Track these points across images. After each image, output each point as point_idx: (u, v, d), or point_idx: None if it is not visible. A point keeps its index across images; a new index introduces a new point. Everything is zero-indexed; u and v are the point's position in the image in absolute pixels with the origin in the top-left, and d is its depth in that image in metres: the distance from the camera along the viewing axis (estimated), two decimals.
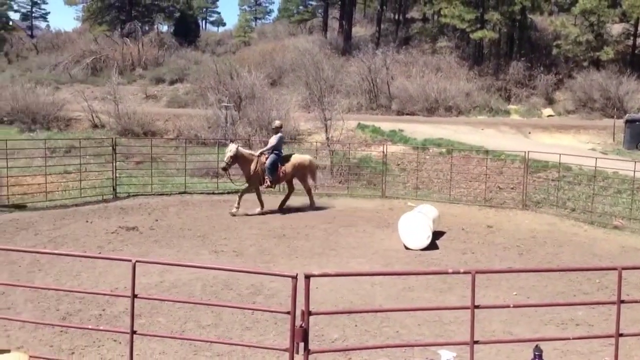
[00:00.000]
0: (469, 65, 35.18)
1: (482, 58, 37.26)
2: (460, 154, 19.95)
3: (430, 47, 38.82)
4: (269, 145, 15.07)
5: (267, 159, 14.89)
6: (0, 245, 10.49)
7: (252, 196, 15.30)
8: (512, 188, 17.93)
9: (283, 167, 15.09)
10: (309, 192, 15.75)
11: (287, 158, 15.37)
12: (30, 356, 4.04)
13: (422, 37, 41.30)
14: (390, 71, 32.79)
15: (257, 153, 15.11)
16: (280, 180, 15.33)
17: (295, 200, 15.82)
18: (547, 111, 31.75)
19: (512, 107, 32.34)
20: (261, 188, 15.14)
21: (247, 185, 15.07)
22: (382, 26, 45.50)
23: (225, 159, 14.46)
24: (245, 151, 15.13)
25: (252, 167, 14.76)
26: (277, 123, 15.63)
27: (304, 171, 15.68)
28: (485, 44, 37.68)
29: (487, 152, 19.31)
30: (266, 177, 14.84)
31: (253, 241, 12.31)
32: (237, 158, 14.57)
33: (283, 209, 15.20)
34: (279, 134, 15.22)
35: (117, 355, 6.74)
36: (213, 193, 17.55)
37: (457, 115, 29.96)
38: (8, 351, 4.04)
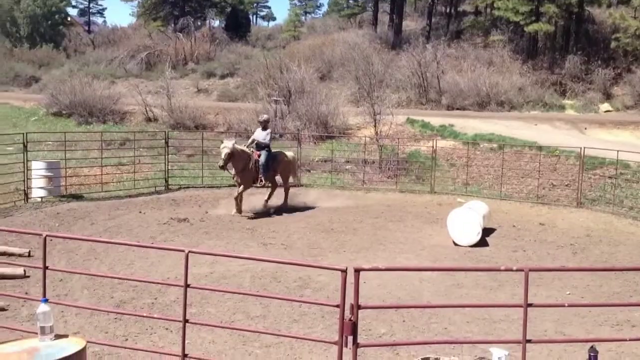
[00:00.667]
0: (523, 59, 34.32)
1: (537, 52, 36.32)
2: (512, 149, 19.56)
3: (482, 41, 38.07)
4: (261, 141, 14.24)
5: (259, 156, 14.14)
6: (59, 233, 10.86)
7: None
8: (566, 185, 17.47)
9: (273, 165, 14.53)
10: (287, 190, 15.18)
11: (274, 155, 14.73)
12: (87, 341, 4.17)
13: (474, 30, 40.55)
14: (441, 65, 32.32)
15: (250, 150, 14.20)
16: (270, 179, 14.64)
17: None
18: (605, 106, 30.72)
19: (567, 102, 31.43)
20: (254, 186, 14.52)
21: (242, 186, 14.04)
22: (433, 20, 44.89)
23: (222, 156, 13.49)
24: (241, 148, 14.21)
25: (248, 164, 13.98)
26: (264, 117, 14.92)
27: (289, 168, 15.33)
28: (540, 37, 36.68)
29: (540, 148, 18.86)
30: (260, 175, 14.09)
31: (301, 235, 12.39)
32: (233, 155, 13.65)
33: (270, 208, 14.57)
34: (269, 130, 14.52)
35: (168, 342, 6.90)
36: (262, 186, 17.71)
37: (510, 110, 29.32)
38: (66, 336, 4.17)
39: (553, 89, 32.18)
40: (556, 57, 34.62)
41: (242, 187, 14.00)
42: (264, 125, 14.41)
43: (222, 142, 13.86)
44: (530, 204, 16.50)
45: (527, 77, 31.76)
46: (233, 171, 14.00)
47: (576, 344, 6.30)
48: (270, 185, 14.64)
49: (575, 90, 32.23)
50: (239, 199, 14.04)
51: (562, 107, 30.79)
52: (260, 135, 14.35)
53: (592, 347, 3.59)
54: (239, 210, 13.94)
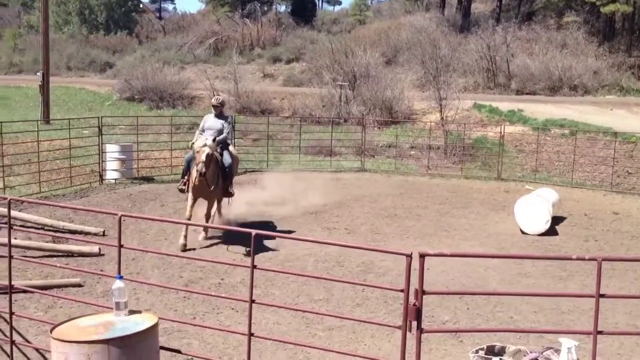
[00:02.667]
0: (599, 41, 32.86)
1: (614, 33, 34.71)
2: (585, 135, 18.86)
3: (555, 22, 36.64)
4: (221, 136, 10.53)
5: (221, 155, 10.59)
6: (132, 214, 11.26)
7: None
8: None
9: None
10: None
11: (234, 156, 11.36)
12: (159, 318, 4.34)
13: (547, 11, 39.07)
14: (511, 48, 31.35)
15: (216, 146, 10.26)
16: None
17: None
18: None
19: None
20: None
21: (212, 200, 10.59)
22: (503, 1, 43.54)
23: (202, 158, 9.69)
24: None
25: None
26: (219, 99, 11.08)
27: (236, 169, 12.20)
28: (618, 18, 35.00)
29: (615, 134, 18.09)
30: (215, 184, 10.26)
31: (364, 220, 12.40)
32: (212, 158, 10.02)
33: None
34: (229, 119, 11.29)
35: (234, 322, 7.10)
36: (326, 171, 17.81)
37: (583, 95, 28.19)
38: (139, 312, 4.36)
39: (630, 72, 30.70)
40: (634, 38, 32.99)
41: (213, 202, 10.54)
42: (220, 111, 10.72)
43: (192, 142, 10.50)
44: (603, 192, 15.89)
45: (603, 60, 30.39)
46: (193, 177, 10.04)
47: None
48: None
49: None
50: (208, 217, 10.48)
51: None
52: (215, 124, 10.58)
53: None
54: (184, 244, 9.86)
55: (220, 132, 10.55)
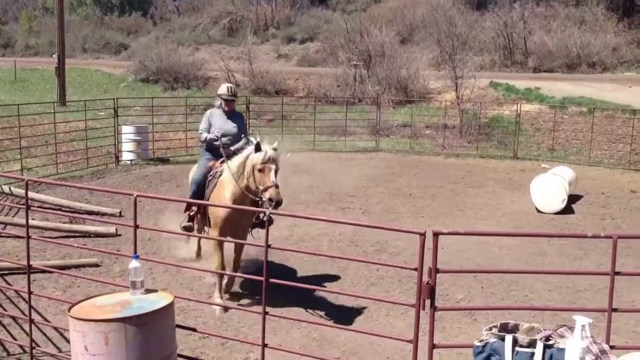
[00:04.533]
0: (618, 17, 32.25)
1: (634, 9, 34.01)
2: (603, 113, 18.60)
3: None
4: (242, 143, 7.40)
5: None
6: (148, 194, 11.35)
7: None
8: None
9: None
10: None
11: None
12: (174, 296, 4.39)
13: None
14: (528, 25, 30.92)
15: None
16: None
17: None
18: None
19: None
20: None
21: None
22: None
23: (273, 180, 6.49)
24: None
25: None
26: (233, 88, 7.80)
27: None
28: None
29: (634, 111, 17.81)
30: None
31: (379, 199, 12.39)
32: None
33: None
34: (243, 117, 8.31)
35: (249, 301, 7.16)
36: (341, 151, 17.78)
37: (602, 72, 27.77)
38: (155, 291, 4.41)
39: None
40: None
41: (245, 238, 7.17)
42: (233, 107, 7.74)
43: (248, 144, 6.95)
44: (621, 170, 15.72)
45: (622, 37, 29.84)
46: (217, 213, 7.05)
47: None
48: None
49: None
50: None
51: None
52: (228, 126, 7.54)
53: None
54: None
55: (235, 138, 7.48)
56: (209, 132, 7.54)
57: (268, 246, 4.81)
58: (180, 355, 4.85)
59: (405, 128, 20.11)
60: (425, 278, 4.16)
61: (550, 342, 3.41)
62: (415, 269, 4.18)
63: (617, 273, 4.05)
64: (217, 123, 7.55)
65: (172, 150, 16.58)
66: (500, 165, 16.36)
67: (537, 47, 29.61)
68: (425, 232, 4.16)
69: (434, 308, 4.20)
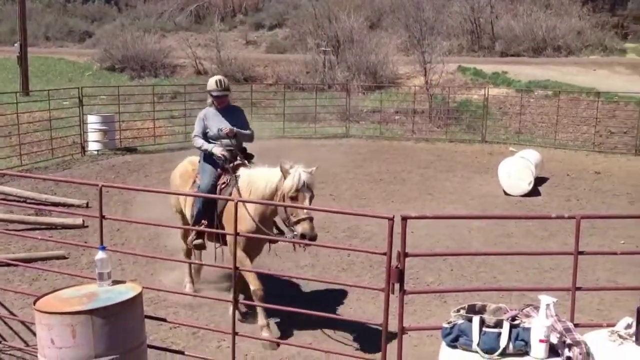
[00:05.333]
0: (582, 1, 32.71)
1: None
2: (568, 96, 18.90)
3: None
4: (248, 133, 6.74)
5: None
6: (114, 184, 11.20)
7: None
8: (624, 132, 16.84)
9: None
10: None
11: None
12: (143, 287, 4.35)
13: None
14: (495, 10, 31.16)
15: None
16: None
17: None
18: None
19: (629, 45, 29.94)
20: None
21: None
22: None
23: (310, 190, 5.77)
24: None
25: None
26: (224, 81, 6.64)
27: None
28: None
29: (598, 94, 18.15)
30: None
31: (349, 185, 12.43)
32: None
33: None
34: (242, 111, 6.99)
35: (221, 290, 7.13)
36: (311, 138, 17.75)
37: (567, 56, 28.18)
38: (123, 282, 4.36)
39: (614, 32, 30.66)
40: None
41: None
42: (227, 102, 6.68)
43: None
44: (586, 152, 16.03)
45: (587, 20, 30.29)
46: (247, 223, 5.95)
47: (629, 294, 6.19)
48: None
49: (638, 32, 30.63)
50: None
51: (624, 51, 29.37)
52: (225, 126, 6.44)
53: None
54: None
55: (237, 139, 6.52)
56: (205, 136, 6.43)
57: (237, 234, 4.79)
58: (150, 346, 4.82)
59: (374, 114, 20.16)
60: (394, 262, 4.19)
61: (516, 322, 3.46)
62: (384, 254, 4.21)
63: (581, 252, 4.13)
64: (213, 125, 6.42)
65: (140, 139, 16.35)
66: (469, 149, 16.54)
67: (503, 31, 29.88)
68: (393, 217, 4.18)
69: (403, 292, 4.23)
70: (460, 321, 3.57)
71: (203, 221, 6.33)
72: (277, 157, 14.17)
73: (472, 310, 3.64)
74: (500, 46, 29.64)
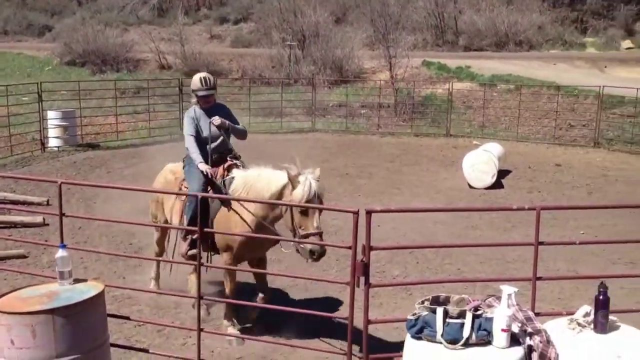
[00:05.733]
0: None
1: None
2: (529, 90, 19.24)
3: None
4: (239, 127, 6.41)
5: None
6: (74, 181, 10.99)
7: None
8: (584, 125, 17.24)
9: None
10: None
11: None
12: (106, 285, 4.28)
13: None
14: (458, 5, 31.53)
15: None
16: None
17: None
18: (626, 43, 29.89)
19: (588, 39, 30.63)
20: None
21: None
22: None
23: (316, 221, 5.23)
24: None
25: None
26: (210, 79, 6.12)
27: None
28: None
29: (558, 87, 18.52)
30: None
31: None
32: None
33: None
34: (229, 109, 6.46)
35: (187, 286, 7.06)
36: (277, 132, 17.69)
37: (528, 50, 28.68)
38: (85, 280, 4.29)
39: (574, 26, 31.34)
40: None
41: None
42: (213, 101, 6.24)
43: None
44: (546, 145, 16.35)
45: (547, 15, 30.90)
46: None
47: (588, 282, 6.33)
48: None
49: (596, 27, 31.37)
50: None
51: (583, 45, 30.05)
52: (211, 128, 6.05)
53: (601, 283, 3.61)
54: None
55: (225, 140, 6.18)
56: (194, 134, 6.02)
57: (202, 230, 4.75)
58: (114, 345, 4.75)
59: (340, 108, 20.20)
60: (359, 256, 4.22)
61: (479, 312, 3.52)
62: (350, 247, 4.23)
63: (541, 243, 4.22)
64: (204, 126, 6.06)
65: (102, 135, 16.08)
66: (434, 143, 16.71)
67: (467, 26, 30.25)
68: (358, 211, 4.20)
69: (368, 285, 4.26)
70: (425, 313, 3.61)
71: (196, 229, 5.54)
72: (243, 151, 14.06)
73: (436, 301, 3.68)
74: (463, 41, 30.00)
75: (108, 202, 10.45)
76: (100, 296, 4.06)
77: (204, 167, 5.88)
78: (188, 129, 6.08)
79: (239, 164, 6.14)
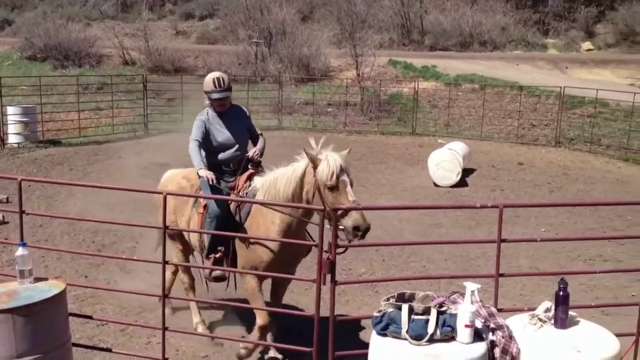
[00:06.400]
0: None
1: None
2: (493, 90, 19.54)
3: None
4: (260, 147, 5.94)
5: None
6: (34, 177, 10.76)
7: None
8: (545, 125, 17.58)
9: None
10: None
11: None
12: (67, 284, 4.20)
13: None
14: (424, 5, 31.81)
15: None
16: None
17: None
18: (587, 45, 30.60)
19: (549, 41, 31.24)
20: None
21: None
22: None
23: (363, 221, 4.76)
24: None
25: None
26: (224, 79, 5.62)
27: None
28: None
29: (521, 88, 18.86)
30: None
31: None
32: None
33: None
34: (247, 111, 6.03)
35: (150, 285, 6.93)
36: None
37: (492, 51, 29.10)
38: (45, 279, 4.20)
39: (536, 27, 31.89)
40: None
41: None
42: (229, 104, 5.69)
43: (310, 152, 4.96)
44: (510, 144, 16.63)
45: (510, 16, 31.40)
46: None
47: (549, 279, 6.48)
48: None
49: (557, 29, 32.00)
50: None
51: (545, 47, 30.63)
52: (231, 133, 5.67)
53: (562, 279, 3.69)
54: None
55: (241, 149, 5.72)
56: (199, 139, 5.40)
57: (166, 228, 4.70)
58: (76, 344, 4.67)
59: (307, 106, 20.20)
60: (326, 254, 4.23)
61: (443, 309, 3.56)
62: (316, 245, 4.24)
63: (504, 240, 4.29)
64: (217, 134, 5.54)
65: (64, 131, 15.77)
66: (400, 142, 16.84)
67: (432, 26, 30.53)
68: (325, 208, 4.21)
69: (334, 282, 4.28)
70: (390, 310, 3.63)
71: (220, 248, 5.31)
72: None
73: (402, 298, 3.71)
74: (429, 40, 30.28)
75: (70, 199, 10.26)
76: (61, 295, 3.99)
77: (204, 172, 5.28)
78: (194, 133, 5.46)
79: (259, 171, 5.59)
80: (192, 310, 5.97)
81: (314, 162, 4.79)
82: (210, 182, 5.25)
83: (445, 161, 12.07)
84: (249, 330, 5.87)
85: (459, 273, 7.16)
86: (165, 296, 4.78)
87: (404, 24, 30.99)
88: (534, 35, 31.05)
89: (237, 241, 5.23)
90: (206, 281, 5.61)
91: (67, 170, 12.31)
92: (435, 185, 12.06)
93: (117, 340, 5.73)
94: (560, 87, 16.68)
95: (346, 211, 4.54)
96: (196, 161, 5.34)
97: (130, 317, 6.20)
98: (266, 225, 5.06)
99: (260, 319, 5.15)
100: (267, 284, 5.53)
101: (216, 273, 5.36)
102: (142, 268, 7.33)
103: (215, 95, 5.46)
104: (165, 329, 4.62)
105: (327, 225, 4.34)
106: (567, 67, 24.88)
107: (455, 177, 11.99)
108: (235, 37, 27.61)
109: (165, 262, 4.74)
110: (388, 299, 3.75)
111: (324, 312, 4.44)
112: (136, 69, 25.33)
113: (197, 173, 5.33)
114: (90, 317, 5.16)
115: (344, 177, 4.72)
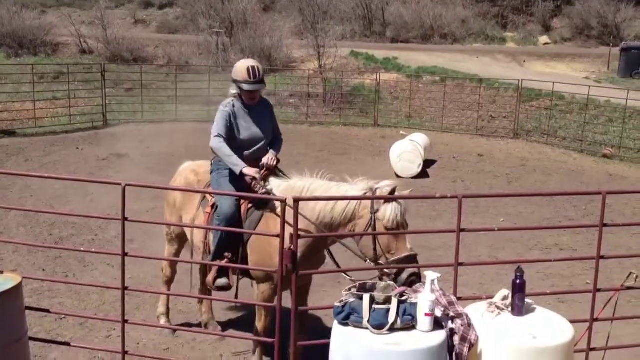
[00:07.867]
0: None
1: None
2: (453, 82, 19.78)
3: None
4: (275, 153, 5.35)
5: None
6: None
7: None
8: (504, 117, 17.90)
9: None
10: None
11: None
12: (24, 277, 4.11)
13: None
14: None
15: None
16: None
17: None
18: (544, 39, 31.26)
19: (508, 34, 31.81)
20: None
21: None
22: None
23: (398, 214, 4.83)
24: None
25: None
26: (259, 68, 5.06)
27: None
28: None
29: (480, 80, 19.15)
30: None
31: None
32: None
33: None
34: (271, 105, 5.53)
35: (110, 278, 6.87)
36: (204, 121, 17.40)
37: (452, 43, 29.47)
38: (1, 272, 4.10)
39: (495, 21, 32.43)
40: None
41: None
42: (259, 97, 5.24)
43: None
44: (470, 135, 16.88)
45: (470, 10, 31.85)
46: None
47: (508, 267, 6.62)
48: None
49: (516, 22, 32.59)
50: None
51: (503, 40, 31.17)
52: (258, 128, 5.25)
53: (518, 267, 3.78)
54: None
55: (265, 146, 5.30)
56: (224, 135, 4.89)
57: (125, 219, 4.62)
58: (34, 339, 4.58)
59: (269, 97, 19.90)
60: (287, 244, 4.23)
61: (404, 298, 3.60)
62: (277, 236, 4.24)
63: (463, 230, 4.37)
64: (242, 124, 5.04)
65: (19, 121, 15.34)
66: (363, 133, 16.92)
67: (394, 18, 30.74)
68: (285, 199, 4.21)
69: (296, 273, 4.29)
70: (352, 299, 3.66)
71: (226, 254, 4.88)
72: (169, 140, 13.74)
73: (363, 288, 3.75)
74: (391, 32, 30.48)
75: (26, 191, 10.02)
76: (17, 288, 3.91)
77: (249, 171, 4.76)
78: (218, 127, 4.90)
79: (276, 172, 5.18)
80: (160, 302, 5.91)
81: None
82: (259, 186, 4.77)
83: (406, 152, 12.19)
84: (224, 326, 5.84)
85: (422, 263, 7.26)
86: (125, 289, 4.71)
87: (365, 16, 31.12)
88: (493, 28, 31.57)
89: (249, 247, 4.84)
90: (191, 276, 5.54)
91: (22, 162, 12.00)
92: (397, 176, 12.17)
93: (76, 334, 5.63)
94: (518, 80, 16.99)
95: (402, 266, 4.50)
96: (232, 159, 4.80)
97: (90, 310, 6.10)
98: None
99: (260, 325, 4.99)
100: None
101: (220, 282, 4.96)
102: (102, 260, 7.23)
103: (247, 87, 4.93)
104: (125, 321, 4.56)
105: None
106: (525, 61, 25.37)
107: (416, 169, 12.13)
108: (196, 27, 27.29)
109: (124, 255, 4.66)
110: (349, 289, 3.78)
111: (286, 302, 4.45)
112: (94, 58, 24.80)
113: (241, 173, 4.76)
114: (47, 311, 5.05)
115: (405, 224, 4.70)
